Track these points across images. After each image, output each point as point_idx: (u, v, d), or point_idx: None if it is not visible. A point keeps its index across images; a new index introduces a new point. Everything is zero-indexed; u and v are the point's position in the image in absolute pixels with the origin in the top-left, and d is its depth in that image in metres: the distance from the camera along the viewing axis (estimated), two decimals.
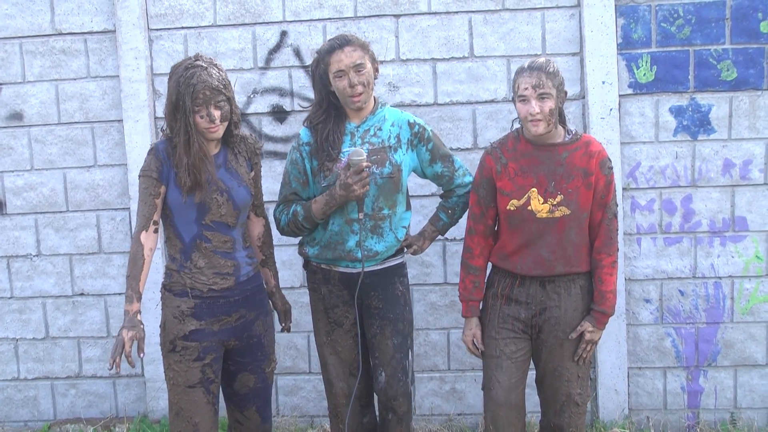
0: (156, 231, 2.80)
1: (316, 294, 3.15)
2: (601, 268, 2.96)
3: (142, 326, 2.71)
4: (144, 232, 2.76)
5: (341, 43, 2.92)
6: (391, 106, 3.17)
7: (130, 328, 2.68)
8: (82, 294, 4.18)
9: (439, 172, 3.11)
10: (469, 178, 3.16)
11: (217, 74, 2.76)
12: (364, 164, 2.88)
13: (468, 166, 3.90)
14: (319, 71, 2.99)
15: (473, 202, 3.05)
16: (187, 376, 2.82)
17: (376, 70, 3.04)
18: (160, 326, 2.90)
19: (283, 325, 3.24)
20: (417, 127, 3.06)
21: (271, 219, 3.19)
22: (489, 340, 3.03)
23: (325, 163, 2.99)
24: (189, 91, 2.69)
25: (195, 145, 2.74)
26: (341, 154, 2.99)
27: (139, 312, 2.73)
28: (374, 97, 3.08)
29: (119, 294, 4.15)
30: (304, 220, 3.01)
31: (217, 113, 2.74)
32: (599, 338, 2.99)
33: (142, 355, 2.68)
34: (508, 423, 2.97)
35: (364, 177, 2.88)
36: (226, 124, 2.81)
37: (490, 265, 3.10)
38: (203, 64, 2.74)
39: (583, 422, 3.07)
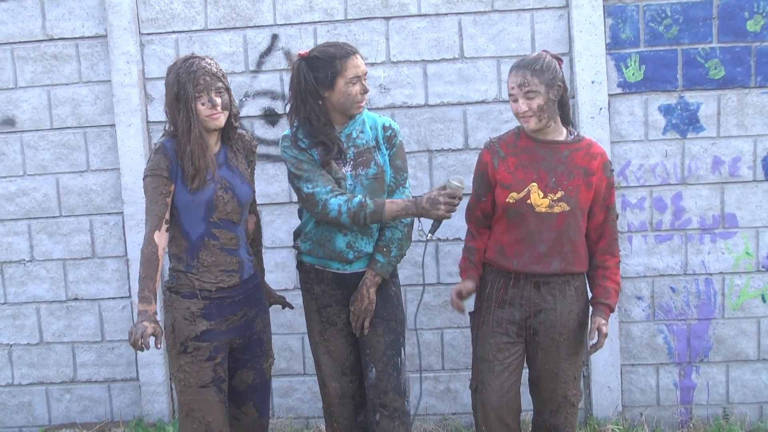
0: (167, 230, 2.83)
1: (309, 294, 3.17)
2: (606, 268, 2.98)
3: (160, 324, 2.74)
4: (157, 231, 2.78)
5: (354, 50, 2.96)
6: (380, 108, 3.17)
7: (150, 321, 2.69)
8: (76, 299, 4.18)
9: (387, 180, 3.07)
10: None
11: (215, 64, 2.86)
12: (461, 193, 2.90)
13: (459, 166, 3.96)
14: (328, 74, 2.92)
15: (474, 198, 3.10)
16: (200, 376, 2.85)
17: None
18: (165, 328, 2.89)
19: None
20: (390, 131, 3.08)
21: (289, 214, 3.16)
22: (482, 343, 3.04)
23: (332, 163, 2.99)
24: (190, 78, 2.76)
25: (195, 131, 2.77)
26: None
27: (156, 312, 2.74)
28: None
29: (113, 298, 4.16)
30: (371, 213, 2.90)
31: (218, 99, 2.80)
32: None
33: (159, 346, 2.71)
34: (500, 424, 2.99)
35: (455, 203, 2.89)
36: (227, 113, 2.86)
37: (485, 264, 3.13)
38: (200, 56, 2.85)
39: (576, 421, 3.10)
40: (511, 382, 3.00)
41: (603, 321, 2.95)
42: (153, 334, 2.68)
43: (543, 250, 2.92)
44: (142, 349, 2.64)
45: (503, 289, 3.00)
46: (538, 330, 2.97)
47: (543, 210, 2.89)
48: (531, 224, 2.91)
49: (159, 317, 2.83)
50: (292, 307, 3.41)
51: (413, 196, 2.98)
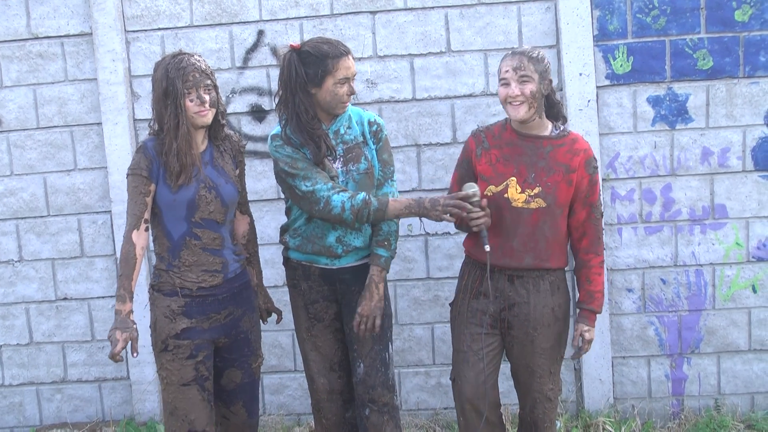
0: (147, 229, 2.83)
1: (296, 290, 3.15)
2: (590, 268, 2.95)
3: (134, 326, 2.74)
4: (135, 231, 2.79)
5: (347, 50, 2.92)
6: (367, 102, 3.15)
7: (123, 329, 2.70)
8: (65, 298, 4.17)
9: (376, 175, 3.06)
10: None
11: (204, 61, 2.85)
12: (473, 199, 2.80)
13: (448, 160, 3.95)
14: (318, 72, 2.88)
15: (454, 180, 3.08)
16: (181, 375, 2.84)
17: None
18: (150, 327, 2.91)
19: (265, 322, 3.26)
20: (376, 125, 3.07)
21: (277, 210, 3.13)
22: (457, 334, 3.05)
23: (325, 161, 2.97)
24: (180, 75, 2.75)
25: (183, 128, 2.77)
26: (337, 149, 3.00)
27: (131, 312, 2.75)
28: None
29: (103, 297, 4.14)
30: (375, 211, 2.87)
31: (206, 96, 2.80)
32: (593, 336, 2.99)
33: (135, 354, 2.71)
34: (477, 415, 2.99)
35: (458, 206, 2.79)
36: (214, 111, 2.86)
37: (463, 256, 3.13)
38: (189, 53, 2.85)
39: (555, 415, 3.09)
40: (487, 373, 2.98)
41: (586, 327, 2.95)
42: (129, 339, 2.69)
43: (516, 245, 2.90)
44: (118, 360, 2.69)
45: (478, 280, 2.99)
46: (512, 323, 2.96)
47: (519, 205, 2.87)
48: (507, 218, 2.90)
49: (135, 316, 2.83)
50: (279, 320, 3.33)
51: (419, 197, 2.92)
